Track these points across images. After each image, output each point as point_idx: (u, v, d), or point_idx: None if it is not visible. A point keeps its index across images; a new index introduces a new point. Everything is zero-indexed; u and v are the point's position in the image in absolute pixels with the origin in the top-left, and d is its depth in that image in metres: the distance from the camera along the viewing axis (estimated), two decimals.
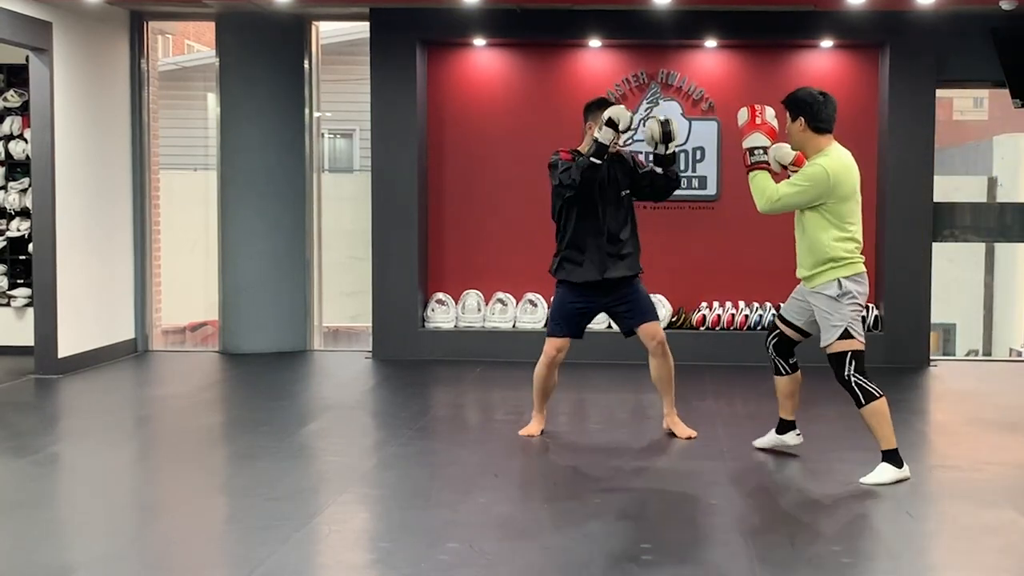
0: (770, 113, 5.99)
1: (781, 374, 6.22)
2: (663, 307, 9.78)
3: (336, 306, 11.82)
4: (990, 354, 18.53)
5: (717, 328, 9.62)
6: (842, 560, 4.60)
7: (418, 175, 9.78)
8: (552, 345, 6.72)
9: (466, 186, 10.08)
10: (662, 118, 6.67)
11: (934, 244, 9.70)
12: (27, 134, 9.61)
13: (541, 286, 9.83)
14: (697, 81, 9.85)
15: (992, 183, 19.11)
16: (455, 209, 10.10)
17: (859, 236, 5.90)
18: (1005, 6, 8.62)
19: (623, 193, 6.62)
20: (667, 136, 6.60)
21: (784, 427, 6.36)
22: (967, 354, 18.36)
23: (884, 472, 5.73)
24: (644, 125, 9.70)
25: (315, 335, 10.35)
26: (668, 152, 6.65)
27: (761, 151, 5.93)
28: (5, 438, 6.90)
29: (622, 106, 6.48)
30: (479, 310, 9.90)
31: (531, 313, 9.80)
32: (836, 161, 5.83)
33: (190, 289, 11.56)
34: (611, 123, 6.33)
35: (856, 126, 9.85)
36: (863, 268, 5.88)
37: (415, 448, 6.59)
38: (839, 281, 5.78)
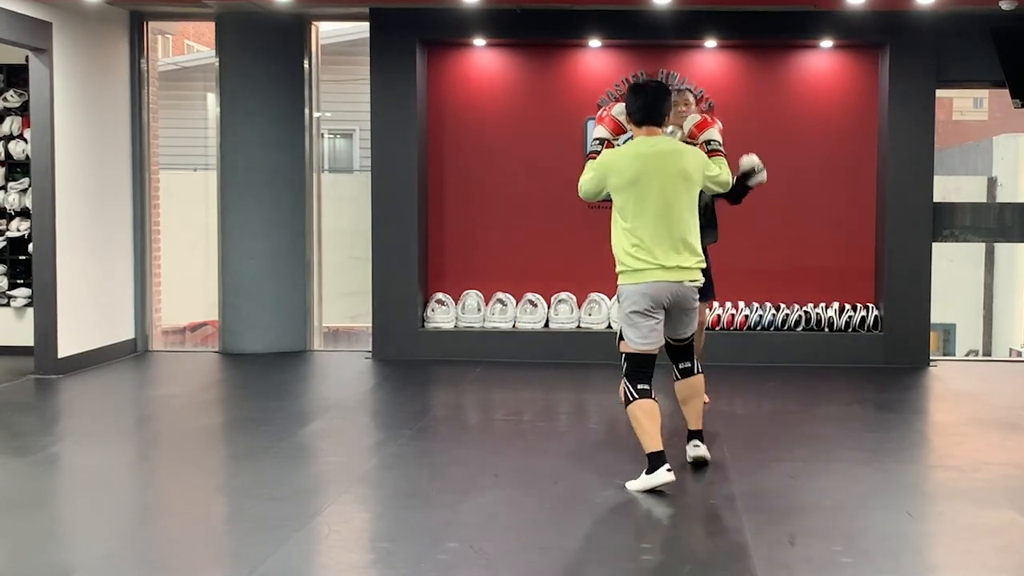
0: (617, 108, 6.01)
1: (675, 379, 5.97)
2: None
3: (336, 306, 11.82)
4: (990, 354, 18.54)
5: (717, 328, 9.61)
6: (842, 560, 4.59)
7: (418, 175, 9.78)
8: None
9: (466, 186, 10.08)
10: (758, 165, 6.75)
11: (934, 244, 9.70)
12: (27, 134, 9.61)
13: (541, 286, 9.84)
14: (697, 81, 9.84)
15: (992, 183, 19.13)
16: (455, 209, 10.10)
17: (652, 244, 5.59)
18: (1005, 6, 8.62)
19: None
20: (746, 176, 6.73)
21: (689, 436, 6.05)
22: (967, 354, 18.37)
23: (640, 478, 5.56)
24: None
25: (315, 335, 10.34)
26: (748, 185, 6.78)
27: (597, 142, 6.00)
28: (5, 438, 6.89)
29: None
30: (479, 310, 9.90)
31: (531, 313, 9.79)
32: (618, 151, 5.79)
33: (190, 289, 11.57)
34: None
35: (856, 126, 9.88)
36: (654, 278, 5.58)
37: (415, 448, 6.59)
38: (620, 285, 5.73)
